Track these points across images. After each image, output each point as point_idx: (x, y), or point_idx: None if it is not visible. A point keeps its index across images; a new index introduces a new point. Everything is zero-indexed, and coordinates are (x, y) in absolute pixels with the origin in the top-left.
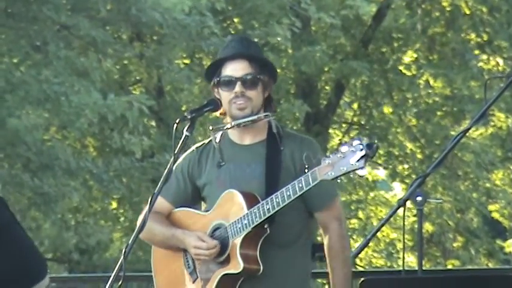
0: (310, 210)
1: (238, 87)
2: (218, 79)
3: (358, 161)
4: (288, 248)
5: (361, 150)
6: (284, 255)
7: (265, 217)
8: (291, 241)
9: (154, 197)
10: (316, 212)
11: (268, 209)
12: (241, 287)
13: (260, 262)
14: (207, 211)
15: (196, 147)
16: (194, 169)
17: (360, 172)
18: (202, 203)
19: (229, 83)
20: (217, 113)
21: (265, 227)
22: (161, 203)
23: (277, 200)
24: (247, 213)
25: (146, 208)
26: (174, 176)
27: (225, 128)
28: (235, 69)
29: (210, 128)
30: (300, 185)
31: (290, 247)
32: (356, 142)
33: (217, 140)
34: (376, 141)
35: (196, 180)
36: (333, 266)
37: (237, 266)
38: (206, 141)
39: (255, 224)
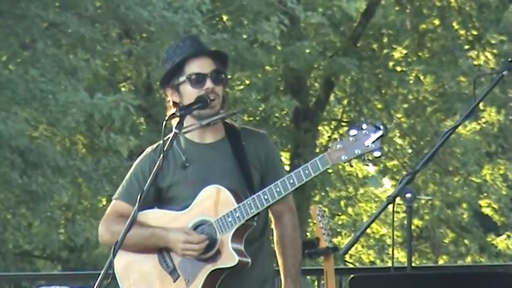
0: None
1: (209, 83)
2: (186, 77)
3: (373, 142)
4: (257, 241)
5: (376, 131)
6: (257, 248)
7: (263, 207)
8: (258, 234)
9: (144, 194)
10: (272, 204)
11: (267, 198)
12: (222, 283)
13: (247, 255)
14: (180, 210)
15: (153, 149)
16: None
17: (375, 154)
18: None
19: (199, 79)
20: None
21: (255, 220)
22: (124, 207)
23: (278, 189)
24: (238, 207)
25: (136, 207)
26: (135, 179)
27: (193, 127)
28: (202, 65)
29: (176, 130)
30: (307, 172)
31: (259, 240)
32: (366, 125)
33: (174, 140)
34: (394, 122)
35: (159, 182)
36: (286, 253)
37: (231, 260)
38: (160, 142)
39: (250, 215)
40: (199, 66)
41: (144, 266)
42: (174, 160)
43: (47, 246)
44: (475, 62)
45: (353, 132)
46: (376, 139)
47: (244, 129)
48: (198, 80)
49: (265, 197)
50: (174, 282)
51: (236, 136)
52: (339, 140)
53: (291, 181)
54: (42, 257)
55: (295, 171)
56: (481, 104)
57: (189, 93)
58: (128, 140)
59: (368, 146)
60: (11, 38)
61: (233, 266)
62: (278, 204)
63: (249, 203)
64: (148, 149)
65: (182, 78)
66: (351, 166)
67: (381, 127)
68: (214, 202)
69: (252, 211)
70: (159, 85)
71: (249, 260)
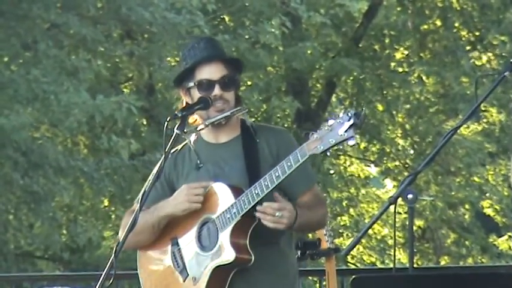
0: (293, 196)
1: (217, 90)
2: (195, 83)
3: (346, 131)
4: (274, 242)
5: (349, 120)
6: (272, 249)
7: (255, 202)
8: (276, 235)
9: (145, 196)
10: (298, 198)
11: (257, 193)
12: (232, 281)
13: (251, 252)
14: None
15: (171, 153)
16: (171, 173)
17: (349, 142)
18: None
19: (208, 86)
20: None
21: (254, 214)
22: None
23: (266, 182)
24: (235, 202)
25: (134, 207)
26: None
27: (200, 128)
28: (212, 71)
29: (185, 130)
30: (289, 164)
31: (276, 241)
32: (342, 114)
33: (192, 142)
34: (364, 109)
35: (174, 184)
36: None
37: (229, 255)
38: (179, 146)
39: (245, 211)
40: (209, 72)
41: (160, 267)
42: (189, 162)
43: (48, 247)
44: (477, 63)
45: (330, 122)
46: (349, 127)
47: (261, 126)
48: (206, 86)
49: (256, 192)
50: (184, 281)
51: (250, 133)
52: (317, 130)
53: (277, 174)
54: (43, 257)
55: (280, 164)
56: (483, 105)
57: (197, 98)
58: (129, 143)
59: (341, 135)
60: (13, 39)
61: (231, 262)
62: (304, 196)
63: (243, 198)
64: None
65: (191, 83)
66: (327, 156)
67: (349, 115)
68: (216, 199)
69: (245, 206)
70: (173, 84)
71: (251, 257)
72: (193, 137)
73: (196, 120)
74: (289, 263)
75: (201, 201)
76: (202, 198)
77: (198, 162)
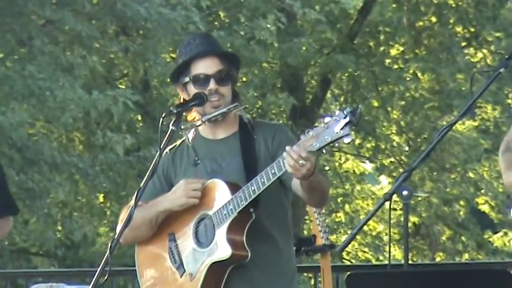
0: (288, 181)
1: (212, 85)
2: (190, 77)
3: (342, 128)
4: (272, 239)
5: (345, 117)
6: (270, 246)
7: (251, 199)
8: (274, 231)
9: (141, 192)
10: (293, 180)
11: (254, 190)
12: (229, 278)
13: (247, 248)
14: None
15: (170, 149)
16: (169, 170)
17: (345, 140)
18: None
19: (203, 80)
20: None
21: (251, 211)
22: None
23: (262, 180)
24: (231, 199)
25: (132, 202)
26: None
27: (196, 125)
28: (207, 66)
29: (181, 127)
30: (285, 161)
31: (274, 239)
32: (338, 111)
33: (190, 139)
34: (360, 106)
35: (172, 180)
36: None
37: (225, 252)
38: (178, 142)
39: (241, 207)
40: (204, 66)
41: (157, 262)
42: (187, 158)
43: (43, 244)
44: (472, 59)
45: (326, 119)
46: (344, 125)
47: (258, 122)
48: (201, 81)
49: (253, 188)
50: (180, 277)
51: (248, 130)
52: (313, 127)
53: (273, 171)
54: (38, 254)
55: (276, 161)
56: (478, 101)
57: (193, 93)
58: (124, 138)
59: (337, 133)
60: (8, 35)
61: (227, 258)
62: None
63: (240, 195)
64: (166, 150)
65: (187, 79)
66: (323, 153)
67: (345, 113)
68: (213, 195)
69: (242, 203)
70: (170, 80)
71: (248, 254)
72: (192, 133)
73: (195, 117)
74: (288, 261)
75: (199, 197)
76: (200, 193)
77: (196, 158)
